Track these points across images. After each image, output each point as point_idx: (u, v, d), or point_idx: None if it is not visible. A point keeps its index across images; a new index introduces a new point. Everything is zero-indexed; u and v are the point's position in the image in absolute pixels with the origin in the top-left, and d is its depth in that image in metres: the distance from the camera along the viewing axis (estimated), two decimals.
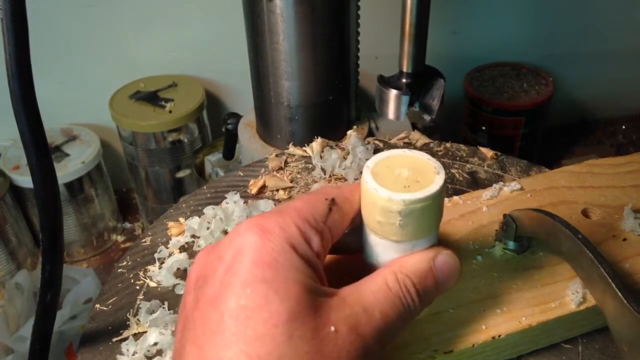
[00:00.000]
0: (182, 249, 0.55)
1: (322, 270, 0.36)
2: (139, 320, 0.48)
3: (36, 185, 0.41)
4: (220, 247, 0.35)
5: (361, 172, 0.38)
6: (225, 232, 0.55)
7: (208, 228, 0.55)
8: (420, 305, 0.37)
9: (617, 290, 0.37)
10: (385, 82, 0.63)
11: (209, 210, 0.56)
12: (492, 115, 1.34)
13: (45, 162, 0.41)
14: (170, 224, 0.57)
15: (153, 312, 0.48)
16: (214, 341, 0.31)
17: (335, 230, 0.38)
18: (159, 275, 0.52)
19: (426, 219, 0.37)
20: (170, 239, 0.55)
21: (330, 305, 0.33)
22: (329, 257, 0.40)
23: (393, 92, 0.50)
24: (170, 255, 0.54)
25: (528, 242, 0.47)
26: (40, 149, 0.40)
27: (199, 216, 0.56)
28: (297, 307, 0.32)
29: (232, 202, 0.57)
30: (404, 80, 0.63)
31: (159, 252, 0.54)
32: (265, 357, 0.30)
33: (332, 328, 0.32)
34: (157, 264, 0.53)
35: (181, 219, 0.58)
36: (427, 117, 0.68)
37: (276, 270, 0.33)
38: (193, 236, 0.55)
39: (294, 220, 0.36)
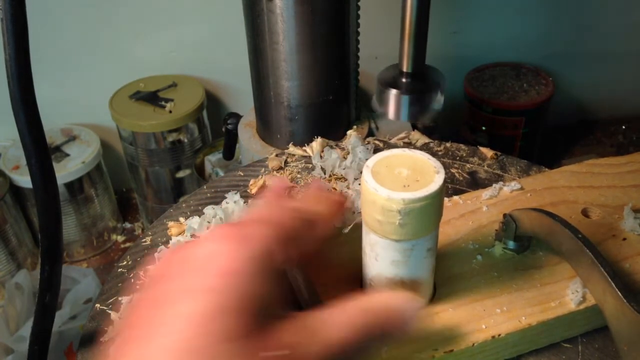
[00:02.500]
0: None
1: (286, 287, 0.36)
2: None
3: (35, 186, 0.41)
4: (188, 248, 0.34)
5: (361, 172, 0.38)
6: None
7: (208, 228, 0.55)
8: (377, 346, 0.37)
9: (617, 290, 0.37)
10: (386, 82, 0.63)
11: (209, 210, 0.56)
12: (492, 115, 1.34)
13: (44, 162, 0.41)
14: (170, 223, 0.57)
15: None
16: (151, 344, 0.30)
17: (308, 246, 0.37)
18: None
19: (426, 218, 0.37)
20: (171, 239, 0.55)
21: (283, 327, 0.32)
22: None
23: (393, 92, 0.50)
24: None
25: (528, 242, 0.47)
26: (39, 150, 0.40)
27: (199, 216, 0.56)
28: (242, 325, 0.30)
29: (232, 202, 0.57)
30: (403, 80, 0.63)
31: (159, 252, 0.54)
32: None
33: (276, 352, 0.31)
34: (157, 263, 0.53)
35: (181, 219, 0.58)
36: (427, 117, 0.68)
37: (232, 282, 0.32)
38: (193, 236, 0.55)
39: (270, 231, 0.34)
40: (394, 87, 0.54)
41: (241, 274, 0.32)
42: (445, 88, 0.71)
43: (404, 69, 0.54)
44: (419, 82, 0.67)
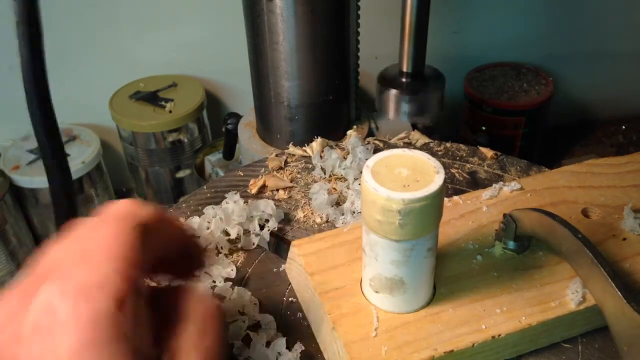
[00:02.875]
0: None
1: (148, 319, 0.29)
2: None
3: (52, 186, 0.40)
4: (23, 321, 0.26)
5: (361, 172, 0.38)
6: (226, 233, 0.55)
7: (208, 228, 0.55)
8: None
9: (617, 290, 0.37)
10: (386, 81, 0.63)
11: (209, 210, 0.56)
12: (492, 115, 1.34)
13: (61, 163, 0.40)
14: None
15: None
16: None
17: (154, 255, 0.32)
18: None
19: (425, 218, 0.37)
20: None
21: None
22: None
23: (393, 92, 0.51)
24: None
25: (528, 242, 0.47)
26: (56, 150, 0.39)
27: (199, 216, 0.56)
28: None
29: (232, 202, 0.57)
30: (403, 80, 0.63)
31: None
32: None
33: None
34: None
35: (181, 219, 0.58)
36: (426, 118, 0.68)
37: (104, 348, 0.26)
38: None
39: (112, 267, 0.28)
40: (394, 87, 0.54)
41: (97, 343, 0.25)
42: (445, 88, 0.71)
43: (404, 69, 0.55)
44: (419, 82, 0.66)
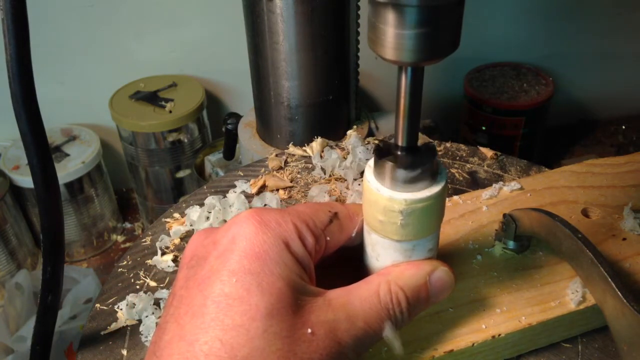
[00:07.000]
0: (183, 238, 0.55)
1: (312, 270, 0.37)
2: (123, 314, 0.48)
3: (37, 186, 0.41)
4: (218, 232, 0.36)
5: (361, 172, 0.38)
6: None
7: (208, 218, 0.55)
8: (407, 318, 0.37)
9: (617, 290, 0.37)
10: (382, 153, 0.63)
11: (209, 201, 0.57)
12: (492, 115, 1.34)
13: (46, 162, 0.41)
14: (169, 220, 0.57)
15: (134, 305, 0.48)
16: (194, 322, 0.32)
17: (331, 240, 0.39)
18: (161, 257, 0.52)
19: (427, 219, 0.37)
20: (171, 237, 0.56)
21: (312, 306, 0.34)
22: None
23: (389, 165, 0.52)
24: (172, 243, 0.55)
25: (528, 242, 0.47)
26: (41, 150, 0.40)
27: (200, 206, 0.57)
28: (277, 304, 0.32)
29: (233, 193, 0.57)
30: (399, 153, 0.63)
31: (160, 241, 0.54)
32: (238, 347, 0.31)
33: (309, 330, 0.33)
34: (160, 252, 0.53)
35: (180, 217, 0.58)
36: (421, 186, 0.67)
37: (264, 263, 0.34)
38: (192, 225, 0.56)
39: (292, 219, 0.37)
40: (390, 160, 0.54)
41: (260, 256, 0.34)
42: (437, 156, 0.71)
43: (399, 143, 0.55)
44: (413, 156, 0.66)
